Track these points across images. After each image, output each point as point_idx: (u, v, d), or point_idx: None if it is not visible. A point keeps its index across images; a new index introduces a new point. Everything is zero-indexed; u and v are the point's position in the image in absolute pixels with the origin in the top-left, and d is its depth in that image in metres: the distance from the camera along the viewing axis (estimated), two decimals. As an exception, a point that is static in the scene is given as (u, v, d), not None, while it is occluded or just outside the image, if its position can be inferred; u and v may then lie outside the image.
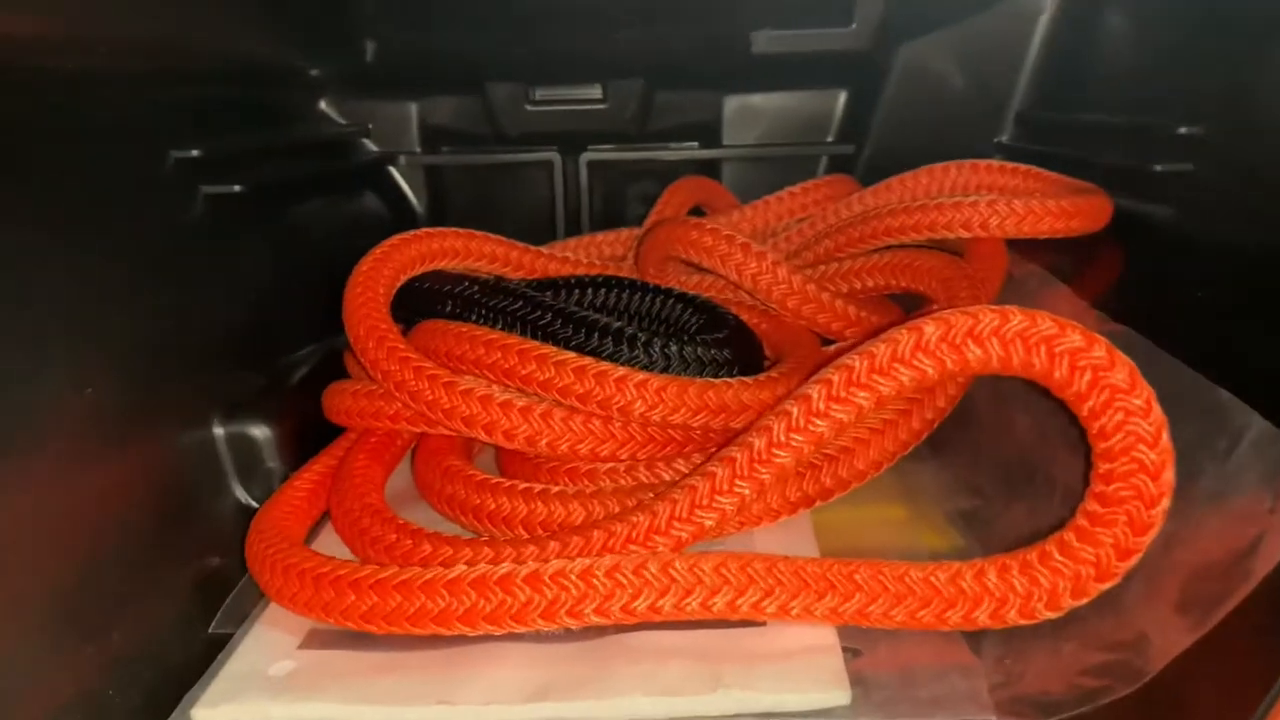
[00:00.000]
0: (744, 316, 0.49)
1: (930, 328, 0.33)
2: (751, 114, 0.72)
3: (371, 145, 0.71)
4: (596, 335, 0.43)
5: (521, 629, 0.33)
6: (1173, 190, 0.46)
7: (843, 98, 0.72)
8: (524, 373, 0.41)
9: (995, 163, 0.55)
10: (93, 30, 0.41)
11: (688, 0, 0.62)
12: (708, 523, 0.35)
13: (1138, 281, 0.47)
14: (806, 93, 0.72)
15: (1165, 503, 0.30)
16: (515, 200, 0.74)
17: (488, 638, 0.34)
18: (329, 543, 0.42)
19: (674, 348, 0.42)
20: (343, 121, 0.69)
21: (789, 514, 0.41)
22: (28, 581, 0.31)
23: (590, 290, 0.51)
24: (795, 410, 0.34)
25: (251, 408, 0.45)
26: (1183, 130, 0.45)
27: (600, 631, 0.34)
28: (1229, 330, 0.38)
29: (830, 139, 0.72)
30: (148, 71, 0.46)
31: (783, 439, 0.34)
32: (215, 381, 0.45)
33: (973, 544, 0.40)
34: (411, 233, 0.49)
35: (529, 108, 0.69)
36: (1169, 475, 0.30)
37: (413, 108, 0.71)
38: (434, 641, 0.34)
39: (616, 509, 0.39)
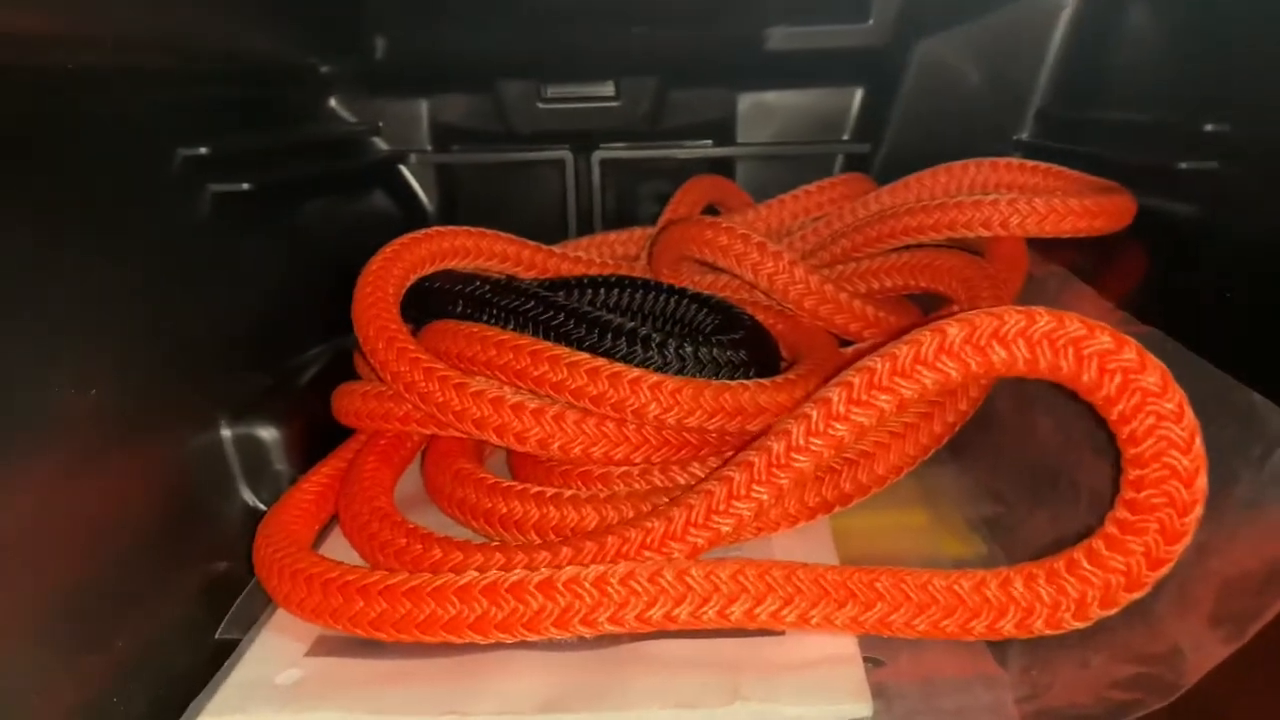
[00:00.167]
0: (760, 317, 0.49)
1: (954, 329, 0.32)
2: (766, 112, 0.71)
3: (382, 143, 0.71)
4: (610, 336, 0.42)
5: (534, 637, 0.32)
6: (1198, 188, 0.45)
7: (859, 95, 0.71)
8: (536, 374, 0.40)
9: (1015, 161, 0.54)
10: (99, 27, 0.40)
11: (701, -4, 0.61)
12: (724, 529, 0.34)
13: (1163, 282, 0.46)
14: (822, 90, 0.71)
15: (1198, 510, 0.29)
16: (527, 199, 0.73)
17: (499, 646, 0.33)
18: (337, 546, 0.41)
19: (689, 349, 0.42)
20: (353, 119, 0.69)
21: (807, 520, 0.40)
22: (31, 585, 0.31)
23: (603, 290, 0.50)
24: (814, 414, 0.33)
25: (259, 409, 0.45)
26: (1209, 127, 0.44)
27: (614, 640, 0.34)
28: (1260, 331, 0.37)
29: (846, 137, 0.71)
30: (155, 69, 0.46)
31: (801, 443, 0.34)
32: (222, 382, 0.45)
33: (995, 551, 0.39)
34: (422, 232, 0.48)
35: (541, 105, 0.69)
36: (1202, 482, 0.29)
37: (423, 105, 0.71)
38: (444, 649, 0.33)
39: (630, 514, 0.38)
